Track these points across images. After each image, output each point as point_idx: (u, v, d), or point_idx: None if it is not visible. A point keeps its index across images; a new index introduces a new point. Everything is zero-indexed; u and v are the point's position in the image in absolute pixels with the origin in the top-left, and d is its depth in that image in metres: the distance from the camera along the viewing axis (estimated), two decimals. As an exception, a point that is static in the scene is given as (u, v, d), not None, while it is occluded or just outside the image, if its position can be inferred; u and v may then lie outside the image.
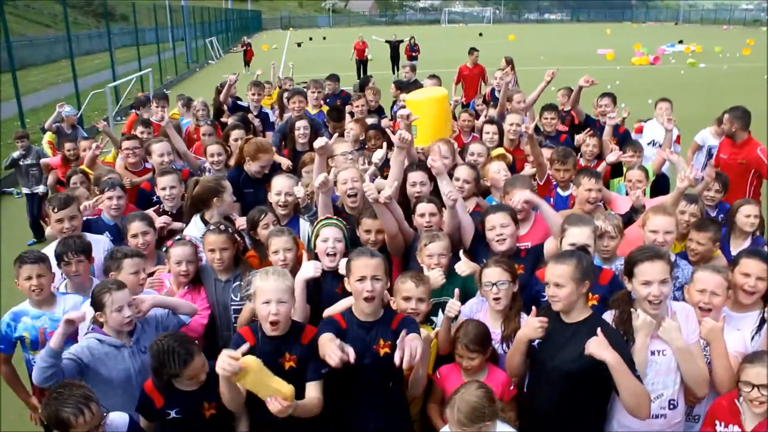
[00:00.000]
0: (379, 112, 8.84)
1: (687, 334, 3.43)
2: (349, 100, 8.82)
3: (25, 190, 9.49)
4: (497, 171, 5.51)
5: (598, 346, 3.11)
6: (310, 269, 3.88)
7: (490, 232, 4.27)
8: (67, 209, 4.58)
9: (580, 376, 3.29)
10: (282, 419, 3.00)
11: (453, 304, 3.68)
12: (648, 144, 7.54)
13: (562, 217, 4.28)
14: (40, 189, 9.16)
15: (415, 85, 10.16)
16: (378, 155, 5.72)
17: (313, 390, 3.28)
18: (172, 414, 3.33)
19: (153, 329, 3.74)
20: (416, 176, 4.98)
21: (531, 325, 3.41)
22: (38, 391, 4.08)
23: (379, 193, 4.22)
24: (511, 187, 4.81)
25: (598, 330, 3.19)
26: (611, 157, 5.95)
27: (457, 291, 3.76)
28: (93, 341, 3.59)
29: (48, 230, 4.93)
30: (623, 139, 7.24)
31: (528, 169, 6.13)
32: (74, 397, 2.89)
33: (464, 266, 4.09)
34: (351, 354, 3.10)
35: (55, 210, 4.56)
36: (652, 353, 3.40)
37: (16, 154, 9.35)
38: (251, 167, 5.71)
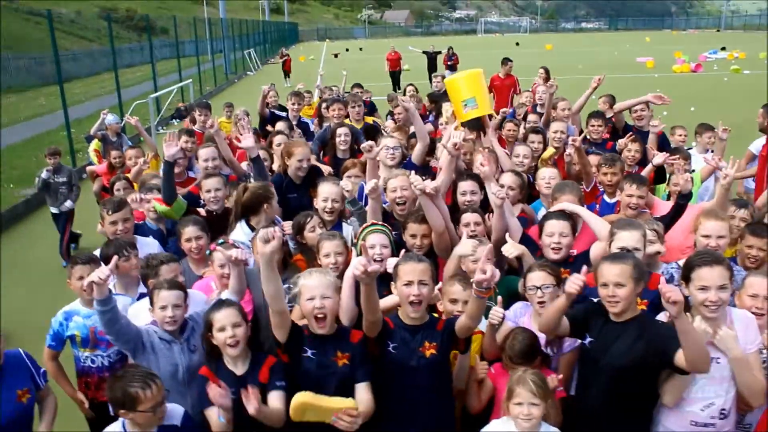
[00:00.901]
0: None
1: (745, 343, 3.33)
2: (374, 109, 8.82)
3: (52, 210, 8.97)
4: (543, 178, 5.46)
5: (729, 339, 3.17)
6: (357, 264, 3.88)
7: (548, 238, 4.24)
8: (121, 212, 4.77)
9: (629, 372, 3.28)
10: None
11: (496, 311, 3.68)
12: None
13: (607, 222, 4.22)
14: (67, 205, 8.86)
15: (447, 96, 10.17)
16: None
17: (364, 391, 3.33)
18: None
19: (201, 328, 3.78)
20: (467, 185, 5.00)
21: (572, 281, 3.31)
22: (83, 386, 4.18)
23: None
24: (560, 193, 4.79)
25: (725, 326, 3.25)
26: (658, 158, 5.82)
27: (500, 298, 3.74)
28: (150, 329, 3.72)
29: (99, 228, 5.11)
30: (662, 143, 7.12)
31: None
32: (139, 374, 3.13)
33: (511, 248, 4.12)
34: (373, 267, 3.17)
35: (110, 212, 4.73)
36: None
37: (44, 174, 8.76)
38: (292, 164, 5.80)
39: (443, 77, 12.05)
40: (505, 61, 13.19)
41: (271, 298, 3.37)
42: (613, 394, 3.32)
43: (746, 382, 3.30)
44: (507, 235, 4.41)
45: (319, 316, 3.36)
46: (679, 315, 2.90)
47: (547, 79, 11.14)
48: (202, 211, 5.51)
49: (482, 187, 5.02)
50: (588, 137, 7.15)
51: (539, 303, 3.76)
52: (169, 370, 3.62)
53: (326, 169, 6.46)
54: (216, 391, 3.16)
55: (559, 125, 6.80)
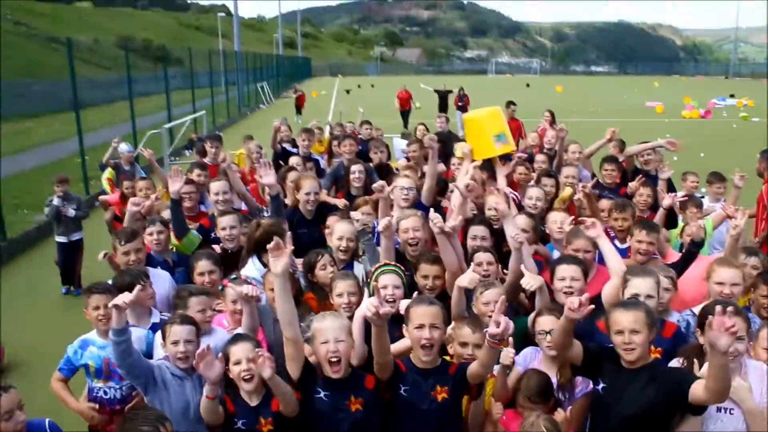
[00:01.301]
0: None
1: (760, 395, 3.32)
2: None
3: (61, 239, 8.76)
4: (555, 222, 5.46)
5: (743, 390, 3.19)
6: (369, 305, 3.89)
7: (560, 282, 4.22)
8: (134, 242, 4.82)
9: (641, 420, 3.25)
10: None
11: (508, 352, 3.66)
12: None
13: (622, 261, 4.21)
14: (77, 236, 8.80)
15: (454, 138, 10.20)
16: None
17: None
18: (239, 424, 3.44)
19: None
20: (478, 230, 5.04)
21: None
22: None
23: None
24: (574, 237, 4.79)
25: (739, 378, 3.26)
26: (667, 201, 5.83)
27: (511, 339, 3.72)
28: (163, 365, 3.73)
29: (100, 256, 5.17)
30: (668, 187, 7.16)
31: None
32: (150, 417, 3.11)
33: (531, 280, 4.09)
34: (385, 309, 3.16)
35: (122, 243, 4.78)
36: (718, 410, 3.30)
37: (56, 202, 8.57)
38: (300, 198, 5.90)
39: (447, 118, 12.12)
40: (509, 104, 13.14)
41: (285, 323, 3.41)
42: None
43: None
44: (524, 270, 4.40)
45: (333, 359, 3.36)
46: (726, 348, 2.82)
47: (552, 121, 11.21)
48: (216, 247, 5.52)
49: (492, 233, 5.06)
50: (601, 182, 7.18)
51: (548, 347, 3.76)
52: (181, 407, 3.61)
53: (341, 202, 6.50)
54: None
55: (571, 170, 6.86)
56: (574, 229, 4.99)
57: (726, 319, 2.75)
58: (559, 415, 3.49)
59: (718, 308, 2.83)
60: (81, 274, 8.88)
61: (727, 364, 2.90)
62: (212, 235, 5.69)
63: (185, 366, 3.70)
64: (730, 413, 3.30)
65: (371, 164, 7.77)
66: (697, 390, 3.07)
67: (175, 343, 3.68)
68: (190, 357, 3.68)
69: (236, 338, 3.63)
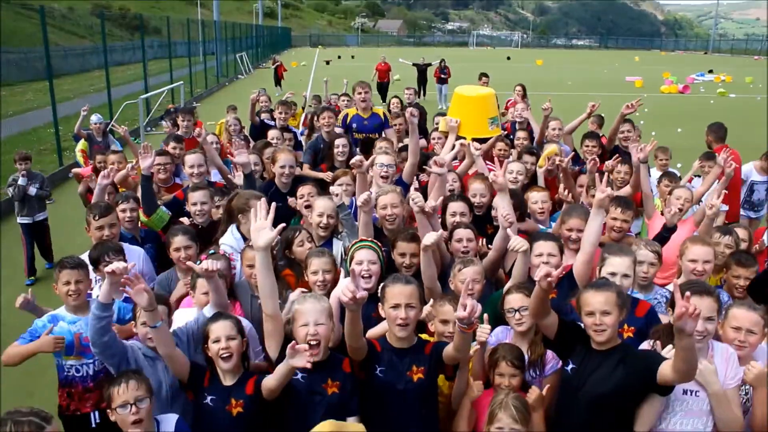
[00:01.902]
0: (420, 133, 8.60)
1: (725, 378, 3.35)
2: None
3: (25, 220, 8.21)
4: (535, 201, 5.50)
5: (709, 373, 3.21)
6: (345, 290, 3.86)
7: (537, 258, 4.20)
8: (108, 217, 4.75)
9: (608, 400, 3.27)
10: None
11: (483, 329, 3.65)
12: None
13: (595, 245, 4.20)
14: (41, 216, 8.32)
15: (423, 112, 9.95)
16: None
17: (355, 425, 3.25)
18: (207, 400, 3.41)
19: (185, 343, 3.76)
20: (456, 206, 5.00)
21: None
22: (66, 397, 4.11)
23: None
24: (568, 216, 4.77)
25: (705, 360, 3.27)
26: (641, 155, 5.69)
27: (486, 316, 3.72)
28: (135, 345, 3.69)
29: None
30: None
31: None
32: (120, 375, 3.23)
33: (519, 243, 4.02)
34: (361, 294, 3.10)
35: (96, 218, 4.70)
36: (684, 392, 3.32)
37: (21, 181, 8.08)
38: (275, 171, 5.90)
39: (415, 90, 11.78)
40: (482, 76, 12.93)
41: (266, 298, 3.41)
42: (592, 422, 3.29)
43: (724, 418, 3.30)
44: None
45: (313, 342, 3.34)
46: (692, 331, 2.86)
47: (524, 96, 11.14)
48: (185, 220, 5.48)
49: (471, 209, 5.06)
50: (582, 158, 7.19)
51: (517, 324, 3.78)
52: (153, 387, 3.52)
53: (326, 175, 6.46)
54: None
55: (552, 147, 6.85)
56: (569, 208, 5.00)
57: (689, 304, 2.77)
58: (534, 392, 3.52)
59: (686, 293, 2.85)
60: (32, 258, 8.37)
61: (693, 345, 2.93)
62: (185, 208, 5.63)
63: (155, 345, 3.64)
64: (696, 395, 3.32)
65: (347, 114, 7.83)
66: (665, 370, 3.10)
67: (145, 323, 3.59)
68: None
69: (216, 316, 3.59)
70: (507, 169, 6.08)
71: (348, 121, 7.96)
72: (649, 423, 3.33)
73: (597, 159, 6.38)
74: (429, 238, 3.95)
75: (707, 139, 8.02)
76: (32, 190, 8.15)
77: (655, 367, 3.15)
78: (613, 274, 3.83)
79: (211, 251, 4.29)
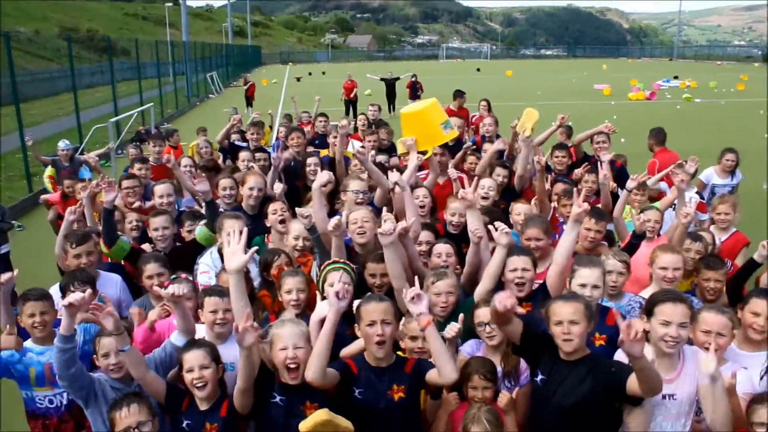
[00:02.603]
0: (390, 150, 8.44)
1: (696, 379, 3.41)
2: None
3: None
4: (518, 213, 5.51)
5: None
6: (324, 309, 3.81)
7: (511, 273, 4.19)
8: (85, 245, 4.69)
9: (578, 410, 3.29)
10: None
11: (453, 326, 3.57)
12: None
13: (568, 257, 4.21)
14: (4, 249, 7.50)
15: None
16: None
17: (346, 421, 3.25)
18: (184, 424, 3.42)
19: (153, 368, 3.70)
20: (423, 236, 4.99)
21: None
22: (41, 429, 4.03)
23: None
24: (526, 227, 4.82)
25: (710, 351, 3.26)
26: (631, 184, 5.88)
27: (461, 316, 3.68)
28: (102, 378, 3.64)
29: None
30: (619, 173, 7.28)
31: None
32: (122, 399, 3.23)
33: (502, 237, 4.08)
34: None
35: (73, 246, 4.66)
36: (663, 397, 3.35)
37: None
38: (244, 193, 5.90)
39: (379, 107, 11.54)
40: (458, 94, 12.96)
41: (238, 318, 3.38)
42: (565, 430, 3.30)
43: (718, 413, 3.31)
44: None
45: (291, 366, 3.33)
46: (641, 353, 2.93)
47: (489, 110, 11.21)
48: (147, 246, 5.44)
49: (436, 236, 5.11)
50: (552, 168, 7.26)
51: (488, 338, 3.79)
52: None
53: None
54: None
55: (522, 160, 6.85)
56: (527, 218, 5.05)
57: (630, 331, 2.84)
58: (504, 397, 3.54)
59: (623, 323, 2.90)
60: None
61: (647, 365, 3.00)
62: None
63: (119, 376, 3.63)
64: (673, 399, 3.38)
65: (329, 156, 7.71)
66: (633, 385, 3.14)
67: (106, 355, 3.60)
68: (124, 367, 3.60)
69: (188, 345, 3.57)
70: (479, 185, 6.14)
71: None
72: (643, 426, 3.36)
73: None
74: (385, 226, 3.97)
75: (649, 143, 8.49)
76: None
77: (623, 380, 3.19)
78: (583, 285, 3.87)
79: (173, 276, 4.24)
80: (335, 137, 7.60)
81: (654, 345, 3.44)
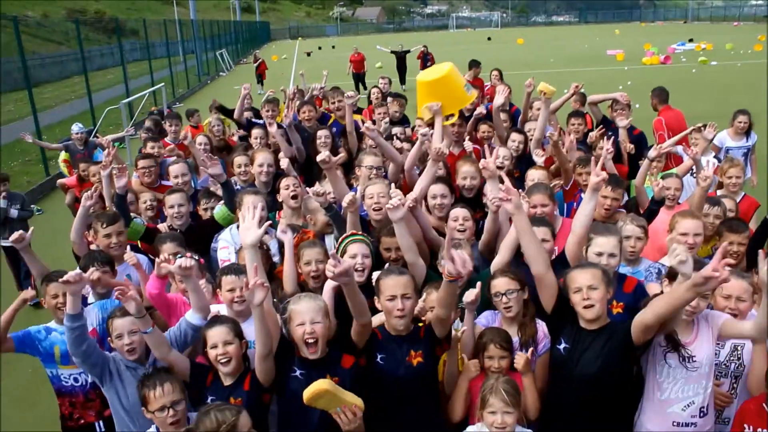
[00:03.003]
0: (403, 122, 8.45)
1: (710, 344, 3.42)
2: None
3: (7, 243, 6.71)
4: (533, 179, 5.44)
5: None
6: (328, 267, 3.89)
7: None
8: (115, 225, 4.73)
9: (601, 379, 3.32)
10: None
11: (471, 292, 3.62)
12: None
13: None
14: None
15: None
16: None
17: (354, 396, 3.27)
18: (208, 400, 3.45)
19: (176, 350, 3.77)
20: (437, 189, 4.97)
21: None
22: (68, 406, 4.12)
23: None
24: (530, 195, 4.81)
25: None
26: (652, 153, 5.86)
27: (479, 283, 3.72)
28: (116, 356, 3.70)
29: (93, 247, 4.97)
30: (638, 140, 7.21)
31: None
32: (154, 377, 3.29)
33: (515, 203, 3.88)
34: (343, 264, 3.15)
35: (104, 225, 4.69)
36: (683, 359, 3.36)
37: (2, 203, 7.59)
38: (255, 171, 5.93)
39: (390, 80, 11.46)
40: (474, 63, 12.87)
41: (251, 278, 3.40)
42: (586, 402, 3.32)
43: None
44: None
45: (310, 341, 3.37)
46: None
47: (500, 79, 11.07)
48: (162, 226, 5.48)
49: (452, 191, 5.08)
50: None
51: (505, 309, 3.78)
52: (137, 399, 3.46)
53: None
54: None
55: (533, 125, 6.84)
56: (531, 185, 5.02)
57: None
58: (521, 358, 3.56)
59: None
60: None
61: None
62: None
63: (134, 357, 3.67)
64: (693, 361, 3.36)
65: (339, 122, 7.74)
66: (640, 320, 3.19)
67: (120, 336, 3.64)
68: (137, 348, 3.66)
69: (213, 321, 3.61)
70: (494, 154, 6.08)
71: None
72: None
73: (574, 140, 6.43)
74: (392, 200, 3.93)
75: (652, 102, 8.49)
76: (13, 213, 7.68)
77: (629, 330, 3.23)
78: (600, 253, 3.86)
79: (179, 256, 4.27)
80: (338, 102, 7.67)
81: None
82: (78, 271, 3.37)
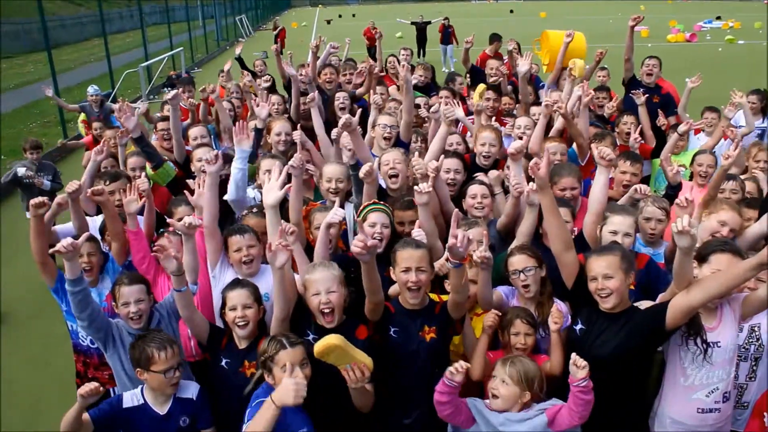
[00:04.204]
0: (427, 89, 8.33)
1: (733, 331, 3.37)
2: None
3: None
4: (554, 153, 5.23)
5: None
6: (331, 214, 3.96)
7: None
8: (118, 182, 4.79)
9: (613, 360, 3.28)
10: (335, 403, 3.20)
11: (480, 251, 3.53)
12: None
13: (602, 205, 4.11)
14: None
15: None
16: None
17: (367, 385, 3.30)
18: (222, 362, 3.50)
19: (166, 317, 3.84)
20: (450, 163, 4.90)
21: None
22: (82, 365, 4.18)
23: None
24: (558, 176, 4.69)
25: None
26: (682, 127, 5.80)
27: (486, 236, 3.70)
28: (120, 323, 3.75)
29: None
30: (666, 102, 7.10)
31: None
32: (159, 338, 3.27)
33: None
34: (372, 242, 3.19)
35: (107, 182, 4.73)
36: (708, 345, 3.28)
37: (21, 171, 7.34)
38: (272, 140, 5.91)
39: (411, 51, 11.42)
40: (495, 37, 12.56)
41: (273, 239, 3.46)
42: (600, 383, 3.23)
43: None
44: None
45: (326, 311, 3.38)
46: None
47: (519, 53, 10.84)
48: (191, 182, 5.44)
49: (465, 168, 5.01)
50: (593, 109, 7.07)
51: (523, 287, 3.76)
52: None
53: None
54: None
55: (556, 96, 6.63)
56: (558, 166, 4.89)
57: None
58: (556, 312, 3.56)
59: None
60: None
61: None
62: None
63: (138, 326, 3.71)
64: (717, 346, 3.30)
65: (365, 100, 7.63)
66: (678, 302, 3.15)
67: (126, 304, 3.68)
68: (143, 316, 3.70)
69: (233, 284, 3.64)
70: (515, 124, 5.99)
71: None
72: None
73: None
74: (420, 197, 3.90)
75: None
76: (46, 184, 7.35)
77: (662, 314, 3.18)
78: (615, 232, 3.84)
79: (161, 231, 4.33)
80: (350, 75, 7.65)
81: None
82: (70, 240, 3.36)
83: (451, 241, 3.11)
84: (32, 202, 3.69)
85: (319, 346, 2.98)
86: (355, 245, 3.10)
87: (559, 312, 3.57)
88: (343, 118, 4.79)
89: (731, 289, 3.10)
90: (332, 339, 2.98)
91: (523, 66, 6.87)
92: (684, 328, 3.28)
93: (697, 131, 7.14)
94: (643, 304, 3.53)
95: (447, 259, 3.27)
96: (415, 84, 7.44)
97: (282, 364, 3.07)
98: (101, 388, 3.07)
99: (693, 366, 3.33)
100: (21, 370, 5.84)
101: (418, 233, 3.92)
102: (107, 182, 4.73)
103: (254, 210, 4.40)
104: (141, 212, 4.44)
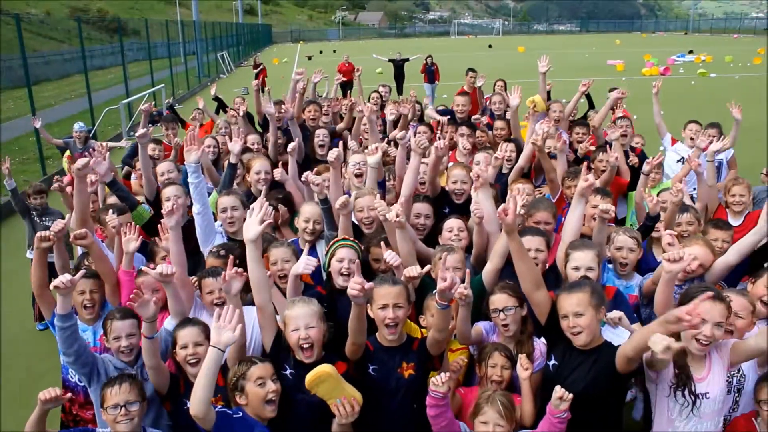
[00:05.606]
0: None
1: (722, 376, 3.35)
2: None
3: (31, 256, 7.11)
4: (520, 192, 5.38)
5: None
6: (301, 265, 3.94)
7: None
8: (124, 216, 4.90)
9: (584, 398, 3.22)
10: None
11: (460, 289, 3.42)
12: (677, 162, 7.48)
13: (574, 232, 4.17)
14: (50, 259, 6.08)
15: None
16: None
17: (353, 388, 3.29)
18: (187, 405, 3.40)
19: (162, 352, 3.77)
20: (421, 208, 4.94)
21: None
22: (68, 402, 4.12)
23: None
24: (534, 209, 4.75)
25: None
26: (646, 167, 5.80)
27: (467, 278, 3.63)
28: (106, 358, 3.73)
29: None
30: (639, 158, 7.22)
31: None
32: (116, 377, 3.30)
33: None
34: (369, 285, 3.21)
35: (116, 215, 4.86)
36: (697, 397, 3.23)
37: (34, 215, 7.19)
38: (251, 179, 5.92)
39: (390, 88, 11.39)
40: (469, 71, 12.62)
41: (255, 288, 3.47)
42: (573, 420, 3.21)
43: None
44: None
45: (305, 346, 3.38)
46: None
47: (505, 90, 11.00)
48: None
49: (436, 213, 5.05)
50: (572, 145, 7.14)
51: (503, 326, 3.76)
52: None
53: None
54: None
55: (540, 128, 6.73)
56: (535, 200, 4.97)
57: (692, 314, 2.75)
58: (524, 359, 3.52)
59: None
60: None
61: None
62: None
63: (128, 359, 3.71)
64: (706, 398, 3.26)
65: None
66: (621, 352, 3.16)
67: (117, 338, 3.69)
68: (134, 350, 3.71)
69: (185, 322, 3.66)
70: (474, 159, 6.05)
71: None
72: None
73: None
74: (390, 214, 4.00)
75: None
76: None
77: (612, 359, 3.19)
78: (577, 268, 3.85)
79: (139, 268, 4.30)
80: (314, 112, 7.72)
81: (685, 342, 3.25)
82: (68, 276, 3.36)
83: (440, 284, 3.12)
84: (38, 235, 3.78)
85: (311, 375, 2.98)
86: (352, 288, 3.13)
87: (527, 360, 3.53)
88: (334, 151, 5.00)
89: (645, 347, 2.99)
90: (325, 368, 2.99)
91: (514, 100, 7.06)
92: (672, 379, 3.24)
93: (673, 141, 7.30)
94: (623, 336, 3.55)
95: (435, 301, 3.27)
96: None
97: (254, 378, 3.15)
98: (67, 395, 3.13)
99: (681, 418, 3.27)
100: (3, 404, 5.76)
101: (389, 256, 3.96)
102: (115, 214, 4.85)
103: (214, 251, 4.41)
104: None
